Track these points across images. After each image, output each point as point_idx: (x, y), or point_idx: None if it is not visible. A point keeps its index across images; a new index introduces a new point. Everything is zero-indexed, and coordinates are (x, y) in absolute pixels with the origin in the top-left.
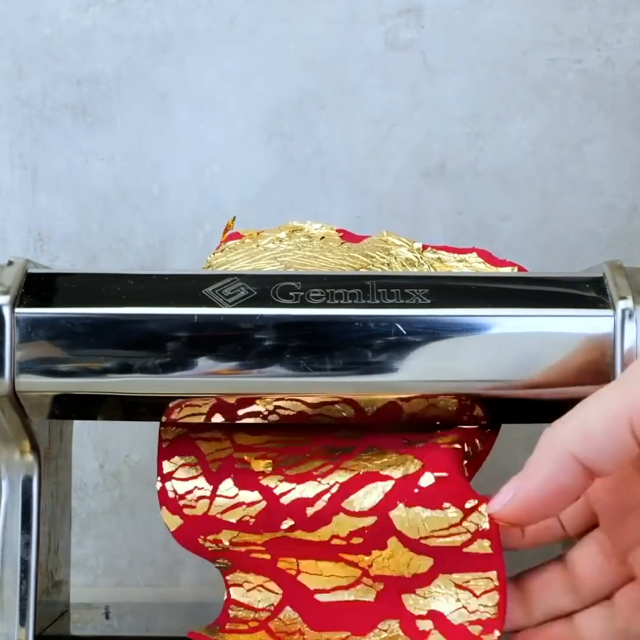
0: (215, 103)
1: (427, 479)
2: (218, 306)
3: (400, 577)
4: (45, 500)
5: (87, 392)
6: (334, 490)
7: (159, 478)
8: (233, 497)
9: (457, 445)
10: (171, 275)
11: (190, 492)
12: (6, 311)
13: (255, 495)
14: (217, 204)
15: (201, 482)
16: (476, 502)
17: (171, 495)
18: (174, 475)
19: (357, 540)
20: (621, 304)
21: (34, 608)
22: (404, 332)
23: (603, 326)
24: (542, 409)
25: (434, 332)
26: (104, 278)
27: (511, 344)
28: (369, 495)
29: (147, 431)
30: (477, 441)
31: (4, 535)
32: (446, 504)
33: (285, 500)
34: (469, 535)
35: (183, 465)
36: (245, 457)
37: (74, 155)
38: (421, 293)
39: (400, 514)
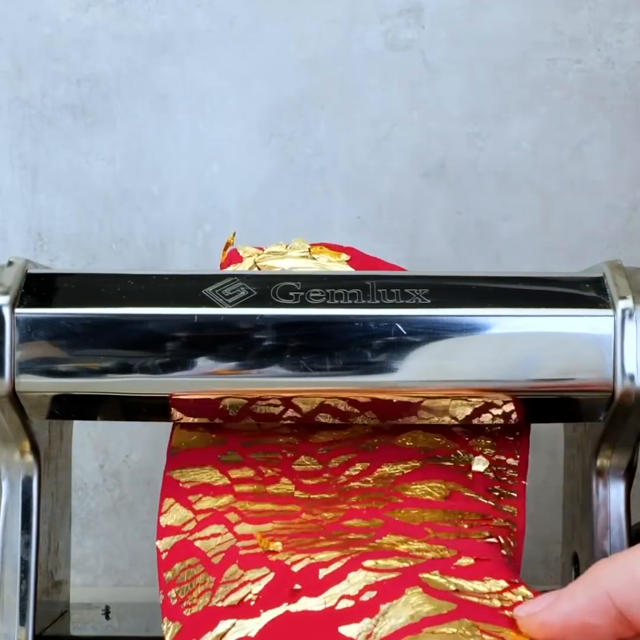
0: (215, 103)
1: (465, 561)
2: (218, 306)
3: (408, 626)
4: (45, 500)
5: (87, 392)
6: (355, 555)
7: (160, 591)
8: (237, 580)
9: (493, 539)
10: (171, 275)
11: (191, 592)
12: (6, 311)
13: (262, 571)
14: (217, 204)
15: (202, 577)
16: (518, 581)
17: (173, 602)
18: (176, 581)
19: (369, 595)
20: (621, 304)
21: (33, 608)
22: (404, 332)
23: (603, 326)
24: (542, 409)
25: (434, 332)
26: (104, 278)
27: (511, 344)
28: (397, 560)
29: (147, 431)
30: (508, 539)
31: (4, 535)
32: (487, 578)
33: (296, 567)
34: (510, 603)
35: (184, 569)
36: (251, 543)
37: (74, 155)
38: (421, 293)
39: (432, 577)
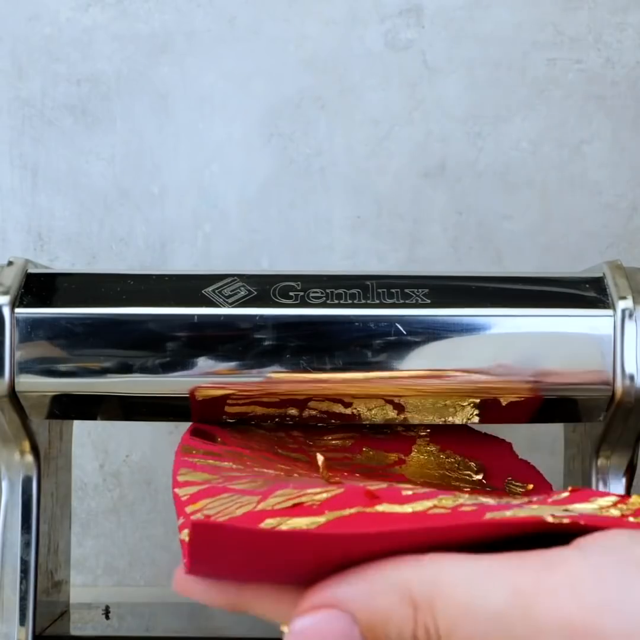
0: (215, 103)
1: (559, 496)
2: (218, 306)
3: (531, 501)
4: (45, 500)
5: (87, 392)
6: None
7: (180, 517)
8: (296, 494)
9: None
10: (171, 275)
11: (227, 508)
12: (6, 311)
13: (328, 488)
14: (217, 204)
15: (245, 498)
16: (619, 498)
17: (197, 517)
18: (205, 508)
19: (468, 508)
20: (621, 304)
21: (33, 608)
22: (404, 332)
23: (603, 326)
24: (542, 409)
25: (434, 332)
26: (104, 278)
27: (511, 344)
28: (487, 498)
29: (147, 431)
30: None
31: (4, 535)
32: (593, 498)
33: (373, 487)
34: (631, 511)
35: (215, 500)
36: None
37: (74, 155)
38: (421, 293)
39: (535, 505)
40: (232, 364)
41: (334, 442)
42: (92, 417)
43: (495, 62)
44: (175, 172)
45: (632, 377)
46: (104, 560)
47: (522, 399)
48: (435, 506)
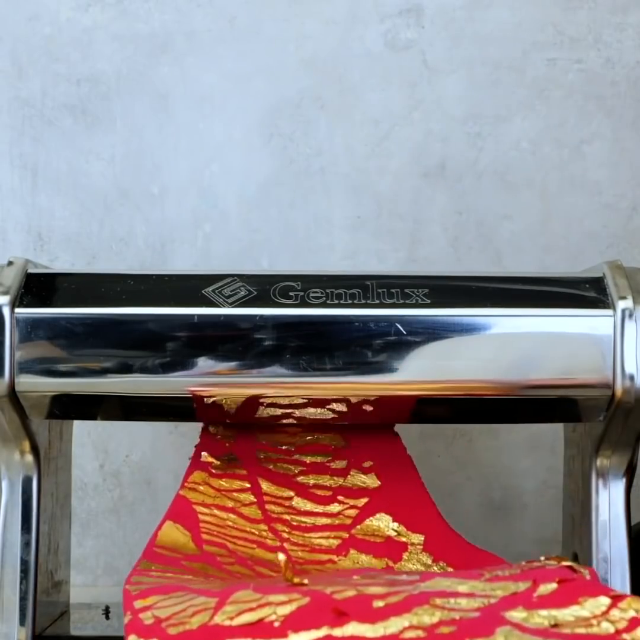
0: (215, 103)
1: (546, 588)
2: (218, 306)
3: None
4: (45, 500)
5: (87, 392)
6: (415, 592)
7: (128, 613)
8: (254, 600)
9: (566, 563)
10: (171, 275)
11: (181, 612)
12: (6, 311)
13: (292, 596)
14: (217, 204)
15: (200, 600)
16: (620, 593)
17: (148, 622)
18: (154, 606)
19: (448, 629)
20: (621, 304)
21: (33, 608)
22: (404, 332)
23: (603, 326)
24: (542, 408)
25: (434, 332)
26: (104, 278)
27: (511, 344)
28: (466, 600)
29: (147, 431)
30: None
31: (4, 535)
32: (582, 598)
33: (340, 596)
34: (625, 623)
35: (166, 599)
36: (266, 572)
37: (74, 155)
38: (421, 293)
39: (519, 614)
40: (232, 364)
41: (318, 540)
42: (92, 417)
43: (495, 62)
44: (175, 172)
45: (632, 377)
46: (104, 560)
47: (522, 398)
48: (411, 626)
